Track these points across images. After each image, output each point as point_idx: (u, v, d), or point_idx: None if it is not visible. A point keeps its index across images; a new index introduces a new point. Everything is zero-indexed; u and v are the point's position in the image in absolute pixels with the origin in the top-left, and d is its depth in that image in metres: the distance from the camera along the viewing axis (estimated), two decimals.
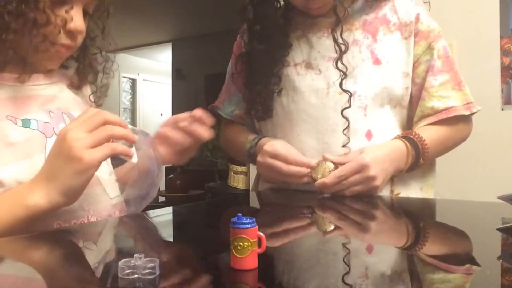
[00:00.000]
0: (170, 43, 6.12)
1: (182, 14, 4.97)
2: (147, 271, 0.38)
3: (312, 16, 0.95)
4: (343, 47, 0.90)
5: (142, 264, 0.38)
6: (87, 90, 0.87)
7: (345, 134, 0.90)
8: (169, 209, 1.06)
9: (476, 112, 0.93)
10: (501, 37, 1.73)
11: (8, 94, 0.69)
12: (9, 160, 0.64)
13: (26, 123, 0.68)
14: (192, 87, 5.80)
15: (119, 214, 0.78)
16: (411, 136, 0.89)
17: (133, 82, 7.29)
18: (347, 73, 0.89)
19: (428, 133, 0.90)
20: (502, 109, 1.73)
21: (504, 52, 1.73)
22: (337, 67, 0.90)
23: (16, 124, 0.67)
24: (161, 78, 7.44)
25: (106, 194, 0.74)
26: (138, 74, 7.26)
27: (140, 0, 4.07)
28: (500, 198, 0.59)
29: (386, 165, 0.85)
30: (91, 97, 0.87)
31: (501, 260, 0.48)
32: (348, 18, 0.92)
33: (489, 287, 0.40)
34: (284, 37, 0.96)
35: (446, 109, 0.91)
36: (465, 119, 0.95)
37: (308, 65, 0.94)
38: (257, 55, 0.97)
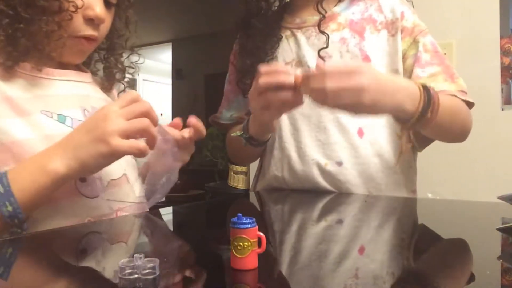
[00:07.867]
0: (170, 43, 6.11)
1: (182, 14, 4.96)
2: (147, 271, 0.38)
3: (300, 16, 0.99)
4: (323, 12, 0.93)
5: (142, 264, 0.38)
6: (117, 88, 0.88)
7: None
8: (169, 209, 1.06)
9: (471, 104, 0.89)
10: (501, 37, 1.72)
11: (43, 91, 0.70)
12: None
13: (61, 119, 0.69)
14: (192, 87, 5.78)
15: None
16: (422, 83, 0.77)
17: (133, 82, 7.29)
18: None
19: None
20: (502, 109, 1.72)
21: (504, 52, 1.73)
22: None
23: (52, 118, 0.68)
24: (161, 78, 7.42)
25: (133, 193, 0.76)
26: (138, 74, 7.24)
27: (140, 0, 4.07)
28: (500, 198, 0.59)
29: (388, 86, 0.70)
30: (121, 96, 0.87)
31: (501, 260, 0.48)
32: (335, 18, 0.95)
33: (489, 287, 0.40)
34: (275, 30, 0.99)
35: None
36: (465, 106, 0.89)
37: (298, 63, 0.97)
38: (249, 48, 0.99)
